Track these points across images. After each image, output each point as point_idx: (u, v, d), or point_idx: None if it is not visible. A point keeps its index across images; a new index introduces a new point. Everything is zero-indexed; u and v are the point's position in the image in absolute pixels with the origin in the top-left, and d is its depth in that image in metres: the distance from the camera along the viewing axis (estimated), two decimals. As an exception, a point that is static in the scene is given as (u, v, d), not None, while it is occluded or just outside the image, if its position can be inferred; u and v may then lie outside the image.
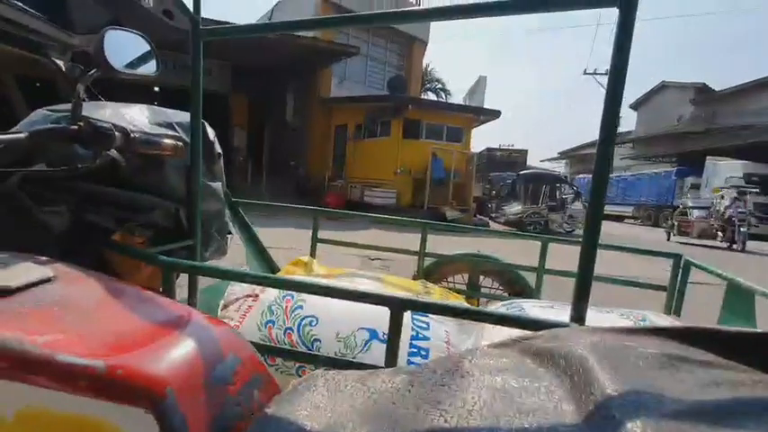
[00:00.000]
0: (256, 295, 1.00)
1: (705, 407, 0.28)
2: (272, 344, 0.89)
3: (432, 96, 20.24)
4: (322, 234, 1.80)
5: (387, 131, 11.80)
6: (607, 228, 14.52)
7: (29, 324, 0.38)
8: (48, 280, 0.45)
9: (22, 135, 0.59)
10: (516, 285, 1.79)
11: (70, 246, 0.74)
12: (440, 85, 21.51)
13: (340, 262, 2.59)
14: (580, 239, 0.68)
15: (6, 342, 0.35)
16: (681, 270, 1.45)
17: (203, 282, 0.99)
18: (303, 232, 2.07)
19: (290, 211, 2.05)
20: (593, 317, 1.06)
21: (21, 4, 1.60)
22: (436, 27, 16.85)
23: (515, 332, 0.66)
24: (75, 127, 0.63)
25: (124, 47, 0.76)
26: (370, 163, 11.71)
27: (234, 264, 1.59)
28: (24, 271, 0.46)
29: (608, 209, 22.48)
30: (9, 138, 0.58)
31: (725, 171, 15.57)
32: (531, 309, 1.15)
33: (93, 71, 0.70)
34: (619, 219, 21.73)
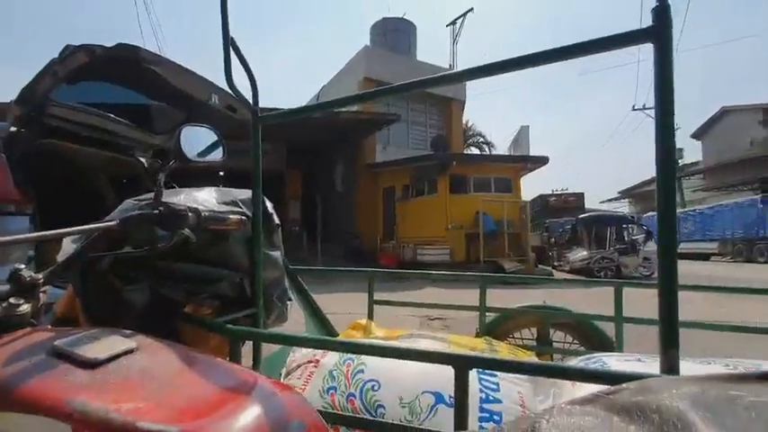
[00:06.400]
0: (317, 360, 0.99)
1: None
2: (335, 411, 0.86)
3: (475, 151, 20.52)
4: (378, 296, 1.79)
5: (434, 189, 11.97)
6: (695, 268, 13.02)
7: (113, 393, 0.41)
8: (131, 351, 0.49)
9: (114, 222, 0.68)
10: (593, 338, 1.63)
11: (148, 319, 0.80)
12: (482, 139, 21.85)
13: (398, 324, 2.53)
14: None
15: (92, 411, 0.38)
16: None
17: (265, 350, 1.01)
18: (359, 296, 2.07)
19: (345, 276, 2.07)
20: (692, 369, 0.92)
21: (113, 116, 1.91)
22: (472, 84, 17.46)
23: (598, 389, 0.59)
24: (157, 211, 0.72)
25: (197, 139, 0.87)
26: (421, 221, 11.79)
27: (292, 331, 1.62)
28: (110, 344, 0.50)
29: (690, 246, 20.35)
30: (104, 225, 0.67)
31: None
32: (615, 363, 1.04)
33: (171, 162, 0.81)
34: (704, 257, 19.46)
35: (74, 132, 1.74)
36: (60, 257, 0.77)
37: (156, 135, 2.11)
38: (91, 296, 0.77)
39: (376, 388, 0.87)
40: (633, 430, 0.34)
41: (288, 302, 1.15)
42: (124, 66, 1.79)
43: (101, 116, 1.80)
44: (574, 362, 1.17)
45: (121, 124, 1.87)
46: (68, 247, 0.81)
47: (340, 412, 0.86)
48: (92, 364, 0.45)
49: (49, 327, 0.62)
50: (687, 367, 0.59)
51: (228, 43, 0.93)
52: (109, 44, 1.71)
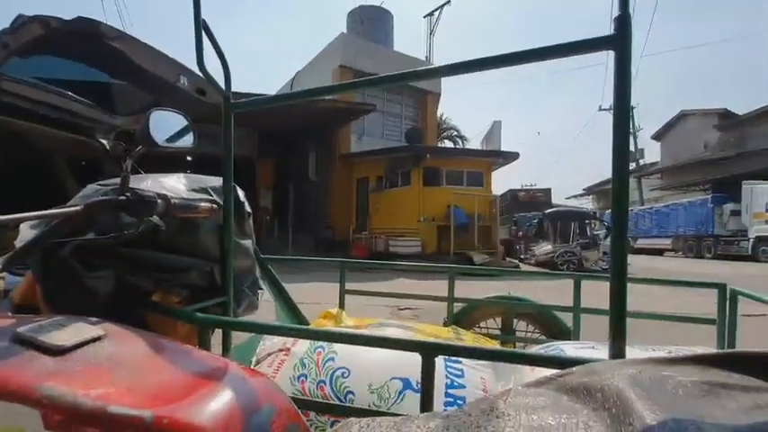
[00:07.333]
0: (288, 349, 1.00)
1: (749, 431, 0.27)
2: (306, 397, 0.88)
3: (448, 144, 20.73)
4: (349, 286, 1.81)
5: (407, 181, 12.04)
6: (649, 263, 13.79)
7: (82, 379, 0.41)
8: (98, 338, 0.49)
9: (78, 208, 0.66)
10: (553, 328, 1.72)
11: (114, 308, 0.78)
12: (455, 133, 22.09)
13: (369, 314, 2.56)
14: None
15: (61, 396, 0.38)
16: (728, 301, 1.36)
17: (235, 339, 1.01)
18: (330, 286, 2.08)
19: (317, 266, 2.08)
20: (639, 355, 1.00)
21: (72, 94, 1.81)
22: (448, 79, 17.57)
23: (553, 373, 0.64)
24: (124, 197, 0.70)
25: (166, 124, 0.85)
26: (393, 213, 11.85)
27: (264, 320, 1.60)
28: (77, 331, 0.49)
29: (645, 242, 21.54)
30: (67, 211, 0.65)
31: (764, 195, 14.88)
32: (572, 350, 1.10)
33: (139, 147, 0.79)
34: (659, 252, 20.66)
35: (28, 110, 1.64)
36: (18, 243, 0.74)
37: (118, 116, 2.01)
38: (53, 283, 0.74)
39: (346, 375, 0.90)
40: (579, 408, 0.38)
41: (258, 292, 1.15)
42: (84, 41, 1.69)
43: (58, 93, 1.70)
44: (534, 350, 1.24)
45: (81, 103, 1.78)
46: (27, 232, 0.78)
47: (310, 398, 0.88)
48: (58, 351, 0.44)
49: (9, 314, 0.60)
50: (633, 353, 0.65)
51: (200, 25, 0.90)
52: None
